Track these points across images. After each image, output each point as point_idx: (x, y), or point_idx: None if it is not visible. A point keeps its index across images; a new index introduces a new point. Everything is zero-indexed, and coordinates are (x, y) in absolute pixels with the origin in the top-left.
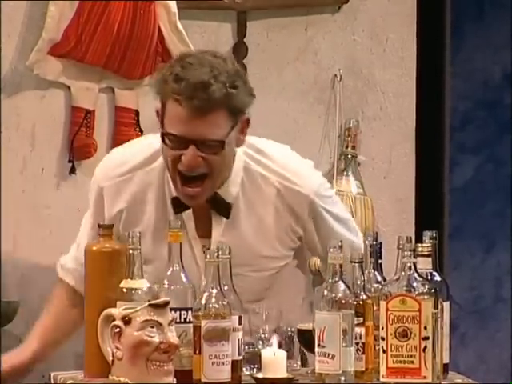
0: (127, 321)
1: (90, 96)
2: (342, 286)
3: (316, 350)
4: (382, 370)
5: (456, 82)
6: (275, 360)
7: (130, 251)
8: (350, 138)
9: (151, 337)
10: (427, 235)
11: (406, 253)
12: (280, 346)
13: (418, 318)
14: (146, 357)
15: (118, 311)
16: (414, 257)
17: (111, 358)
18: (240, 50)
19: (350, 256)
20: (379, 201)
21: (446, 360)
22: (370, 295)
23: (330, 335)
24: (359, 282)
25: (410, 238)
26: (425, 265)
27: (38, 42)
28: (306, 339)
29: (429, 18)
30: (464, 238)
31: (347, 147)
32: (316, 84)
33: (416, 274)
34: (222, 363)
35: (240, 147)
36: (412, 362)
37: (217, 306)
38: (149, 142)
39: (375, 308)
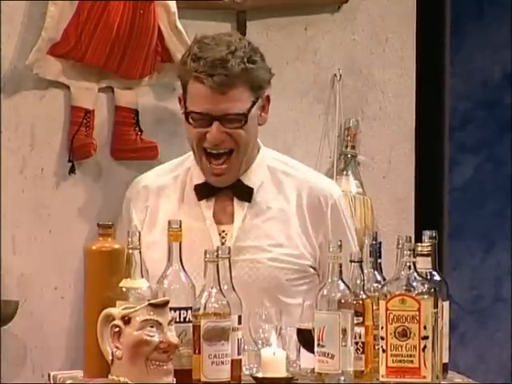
0: (127, 320)
1: (90, 96)
2: (341, 285)
3: (315, 349)
4: (382, 370)
5: (456, 81)
6: (275, 359)
7: (130, 251)
8: (349, 138)
9: (151, 336)
10: (427, 235)
11: (405, 252)
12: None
13: (417, 318)
14: (146, 356)
15: (117, 311)
16: (414, 256)
17: (111, 358)
18: None
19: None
20: (379, 200)
21: (446, 360)
22: (370, 295)
23: (329, 335)
24: (359, 282)
25: (410, 237)
26: (424, 264)
27: (37, 42)
28: (306, 339)
29: (428, 17)
30: (464, 238)
31: (347, 147)
32: (315, 84)
33: (416, 274)
34: (222, 363)
35: (262, 125)
36: (411, 362)
37: (216, 305)
38: (173, 161)
39: (375, 307)
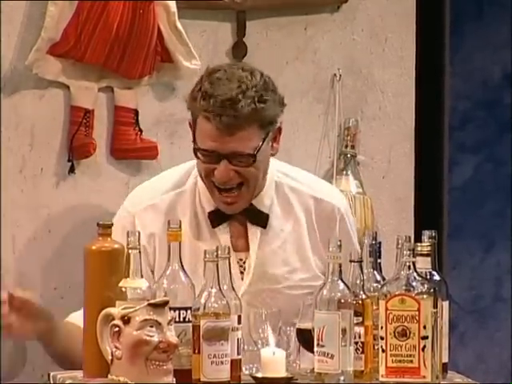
0: (126, 320)
1: (90, 95)
2: (341, 285)
3: (315, 349)
4: (381, 370)
5: (455, 81)
6: (274, 359)
7: (129, 251)
8: (349, 138)
9: (150, 336)
10: (426, 235)
11: (405, 252)
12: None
13: (417, 318)
14: (145, 356)
15: (117, 311)
16: (414, 256)
17: (110, 358)
18: (239, 49)
19: None
20: (378, 200)
21: (446, 359)
22: (370, 295)
23: (329, 335)
24: (358, 282)
25: (410, 237)
26: (424, 264)
27: (37, 42)
28: (306, 339)
29: (428, 17)
30: (463, 238)
31: (346, 147)
32: (315, 83)
33: (415, 274)
34: (222, 362)
35: (274, 155)
36: (411, 362)
37: (216, 305)
38: (174, 171)
39: (374, 307)
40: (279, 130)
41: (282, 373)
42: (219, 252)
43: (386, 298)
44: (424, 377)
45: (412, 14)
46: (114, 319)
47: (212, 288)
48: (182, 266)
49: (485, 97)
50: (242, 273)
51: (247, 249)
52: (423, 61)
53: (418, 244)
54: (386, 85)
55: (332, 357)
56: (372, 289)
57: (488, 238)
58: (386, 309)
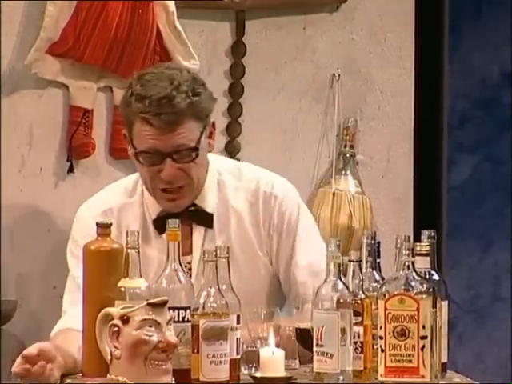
0: (125, 320)
1: (89, 95)
2: (340, 285)
3: (314, 349)
4: (381, 369)
5: (454, 80)
6: (273, 359)
7: (128, 250)
8: (348, 137)
9: (149, 336)
10: (425, 234)
11: (404, 252)
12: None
13: (416, 317)
14: (145, 356)
15: (116, 310)
16: (413, 256)
17: (109, 357)
18: (238, 49)
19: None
20: (377, 200)
21: (445, 359)
22: (369, 294)
23: (328, 334)
24: (357, 281)
25: (409, 237)
26: (423, 264)
27: (36, 42)
28: (305, 338)
29: (427, 16)
30: (462, 237)
31: (345, 146)
32: (314, 83)
33: (414, 273)
34: (221, 362)
35: (210, 152)
36: (410, 361)
37: (215, 305)
38: (124, 181)
39: (373, 307)
40: (213, 125)
41: (280, 372)
42: (218, 252)
43: (385, 297)
44: (423, 376)
45: (411, 13)
46: (113, 319)
47: (211, 288)
48: (181, 265)
49: (483, 96)
50: (190, 276)
51: (190, 251)
52: (422, 60)
53: (417, 244)
54: (385, 84)
55: (331, 356)
56: (371, 288)
57: (487, 238)
58: (385, 308)
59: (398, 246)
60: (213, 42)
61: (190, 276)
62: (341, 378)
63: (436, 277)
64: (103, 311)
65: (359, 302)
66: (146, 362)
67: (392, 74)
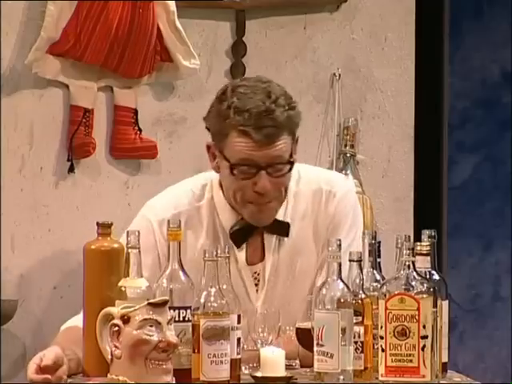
0: (126, 320)
1: (89, 95)
2: (340, 284)
3: (315, 348)
4: (381, 369)
5: (454, 80)
6: (274, 359)
7: (129, 250)
8: (348, 137)
9: (150, 336)
10: (426, 234)
11: (404, 251)
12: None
13: (416, 317)
14: (145, 356)
15: (116, 310)
16: (413, 255)
17: (110, 357)
18: (239, 48)
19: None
20: (378, 199)
21: (445, 359)
22: (369, 294)
23: (328, 334)
24: (358, 281)
25: (409, 236)
26: (423, 263)
27: (36, 41)
28: (305, 338)
29: (427, 16)
30: (462, 237)
31: (346, 146)
32: (315, 83)
33: (415, 273)
34: (221, 362)
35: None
36: (411, 361)
37: (216, 304)
38: (191, 183)
39: (374, 307)
40: (297, 140)
41: (281, 372)
42: (219, 251)
43: (385, 297)
44: (423, 376)
45: (411, 13)
46: (113, 318)
47: (211, 287)
48: (182, 265)
49: (484, 96)
50: (256, 285)
51: (262, 260)
52: (423, 60)
53: (418, 243)
54: (385, 84)
55: (331, 356)
56: (372, 288)
57: (487, 237)
58: (386, 308)
59: (399, 245)
60: (213, 41)
61: (256, 285)
62: (341, 377)
63: (436, 276)
64: (104, 311)
65: (360, 301)
66: (146, 362)
67: (392, 73)
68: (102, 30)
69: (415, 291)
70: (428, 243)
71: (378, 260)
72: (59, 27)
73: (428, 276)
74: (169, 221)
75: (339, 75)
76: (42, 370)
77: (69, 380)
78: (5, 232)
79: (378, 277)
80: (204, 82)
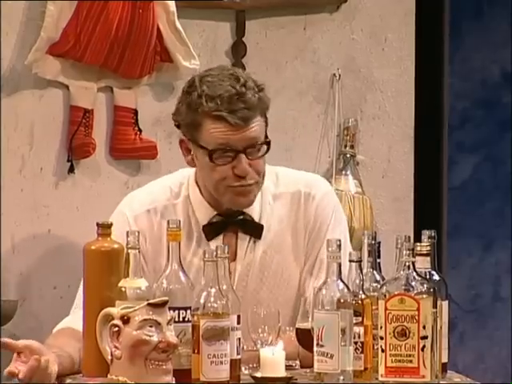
0: (126, 320)
1: (89, 95)
2: (340, 285)
3: (315, 349)
4: (381, 370)
5: (454, 80)
6: (274, 359)
7: (129, 250)
8: (348, 137)
9: (150, 336)
10: (426, 234)
11: (404, 252)
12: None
13: (416, 317)
14: (145, 356)
15: (116, 310)
16: (413, 256)
17: (110, 358)
18: (239, 48)
19: None
20: (378, 200)
21: (445, 359)
22: (369, 294)
23: (328, 334)
24: (358, 282)
25: (409, 237)
26: (423, 264)
27: (36, 42)
28: (305, 338)
29: (427, 17)
30: (462, 237)
31: (346, 146)
32: (315, 83)
33: (415, 273)
34: (221, 362)
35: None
36: (411, 362)
37: (215, 305)
38: (168, 180)
39: (374, 307)
40: (267, 122)
41: (281, 373)
42: (219, 252)
43: (385, 297)
44: (423, 376)
45: (411, 13)
46: (113, 319)
47: (211, 288)
48: (182, 265)
49: (484, 96)
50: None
51: (234, 258)
52: (423, 60)
53: (418, 244)
54: (385, 84)
55: (331, 356)
56: (371, 289)
57: (487, 238)
58: (386, 309)
59: (399, 246)
60: (213, 41)
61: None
62: (341, 378)
63: (436, 277)
64: (104, 311)
65: (359, 302)
66: (146, 362)
67: (392, 73)
68: (101, 31)
69: (415, 292)
70: (428, 243)
71: (378, 260)
72: (59, 27)
73: (428, 276)
74: (168, 221)
75: (339, 76)
76: (5, 346)
77: (68, 380)
78: (5, 232)
79: (378, 277)
80: None
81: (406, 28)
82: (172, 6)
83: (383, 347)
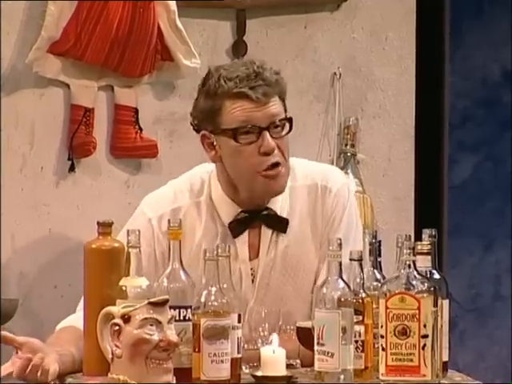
0: (126, 319)
1: (90, 94)
2: (341, 283)
3: (315, 348)
4: (382, 368)
5: (455, 79)
6: (274, 358)
7: (129, 249)
8: (349, 136)
9: (150, 335)
10: (426, 233)
11: (405, 251)
12: None
13: (417, 316)
14: (146, 355)
15: (117, 309)
16: (414, 255)
17: (110, 356)
18: (239, 47)
19: None
20: (378, 199)
21: (446, 358)
22: (370, 293)
23: (329, 333)
24: (358, 280)
25: (410, 236)
26: (424, 263)
27: (37, 40)
28: (306, 337)
29: (428, 15)
30: (463, 236)
31: (346, 145)
32: (315, 82)
33: (415, 272)
34: (222, 361)
35: None
36: (411, 360)
37: (216, 304)
38: (189, 178)
39: (374, 306)
40: (286, 108)
41: (282, 371)
42: (219, 250)
43: (386, 296)
44: (424, 375)
45: (412, 12)
46: (114, 318)
47: (212, 287)
48: (182, 264)
49: (484, 95)
50: (253, 281)
51: (257, 256)
52: (423, 59)
53: (418, 242)
54: (386, 83)
55: (332, 355)
56: (372, 287)
57: (488, 237)
58: (386, 307)
59: (399, 244)
60: (214, 40)
61: (252, 281)
62: (342, 377)
63: (437, 276)
64: (104, 310)
65: (360, 300)
66: (147, 361)
67: (393, 72)
68: (102, 30)
69: (416, 290)
70: (428, 242)
71: (379, 259)
72: (60, 26)
73: (428, 275)
74: (169, 220)
75: (340, 74)
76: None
77: (69, 379)
78: (5, 231)
79: (379, 276)
80: None
81: (406, 27)
82: (173, 4)
83: (384, 346)
